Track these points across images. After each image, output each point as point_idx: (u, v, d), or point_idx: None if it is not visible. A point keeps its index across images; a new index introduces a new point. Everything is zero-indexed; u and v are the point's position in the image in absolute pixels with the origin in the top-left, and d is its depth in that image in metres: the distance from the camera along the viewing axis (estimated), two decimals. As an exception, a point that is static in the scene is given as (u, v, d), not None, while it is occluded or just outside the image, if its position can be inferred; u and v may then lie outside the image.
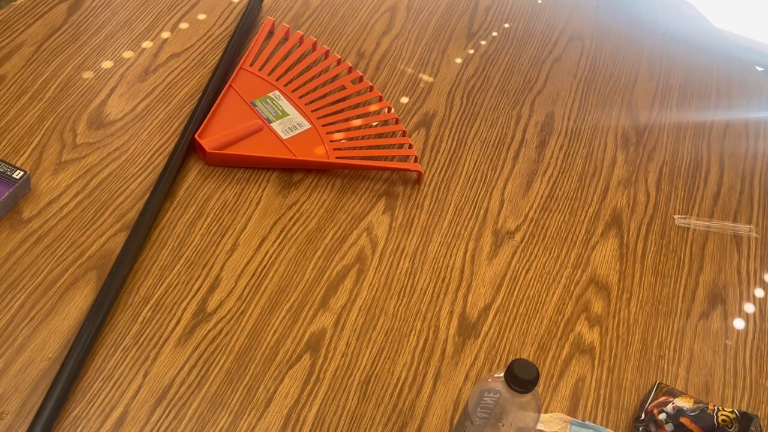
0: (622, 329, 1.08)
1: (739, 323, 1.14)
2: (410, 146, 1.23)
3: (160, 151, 1.13)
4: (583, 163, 1.30)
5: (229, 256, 1.03)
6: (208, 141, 1.13)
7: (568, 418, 0.95)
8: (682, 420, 0.93)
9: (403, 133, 1.26)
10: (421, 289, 1.06)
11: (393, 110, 1.29)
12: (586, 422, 0.96)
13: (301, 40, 1.35)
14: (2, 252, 0.97)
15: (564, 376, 1.01)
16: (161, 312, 0.96)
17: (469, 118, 1.32)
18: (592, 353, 1.05)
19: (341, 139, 1.21)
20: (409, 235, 1.12)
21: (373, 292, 1.04)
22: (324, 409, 0.91)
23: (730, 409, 0.93)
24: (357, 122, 1.25)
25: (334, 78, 1.31)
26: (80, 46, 1.25)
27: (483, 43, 1.49)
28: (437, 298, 1.05)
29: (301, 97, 1.25)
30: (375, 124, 1.26)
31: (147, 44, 1.28)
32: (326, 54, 1.34)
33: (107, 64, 1.23)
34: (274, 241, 1.06)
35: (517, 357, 0.93)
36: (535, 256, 1.14)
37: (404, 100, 1.33)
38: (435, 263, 1.09)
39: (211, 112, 1.16)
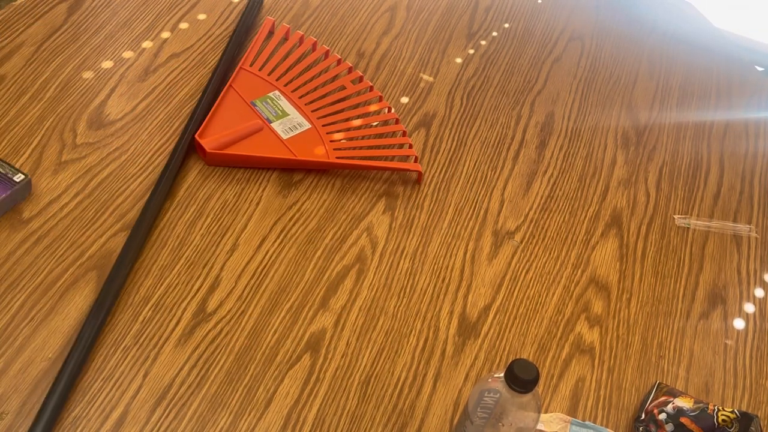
0: (622, 329, 1.08)
1: (739, 323, 1.14)
2: (410, 146, 1.23)
3: (160, 151, 1.13)
4: (583, 163, 1.30)
5: (230, 256, 1.03)
6: (209, 141, 1.13)
7: (568, 418, 0.95)
8: (683, 420, 0.93)
9: (403, 133, 1.26)
10: (421, 289, 1.06)
11: (393, 110, 1.29)
12: (586, 422, 0.96)
13: (301, 40, 1.35)
14: (2, 252, 0.97)
15: (564, 376, 1.01)
16: (161, 312, 0.96)
17: (469, 119, 1.32)
18: (592, 353, 1.05)
19: (341, 139, 1.21)
20: (409, 236, 1.12)
21: (373, 293, 1.04)
22: (324, 409, 0.91)
23: (730, 409, 0.93)
24: (357, 122, 1.25)
25: (334, 78, 1.31)
26: (80, 46, 1.25)
27: (483, 43, 1.49)
28: (437, 299, 1.05)
29: (301, 97, 1.25)
30: (375, 124, 1.26)
31: (147, 44, 1.28)
32: (326, 54, 1.34)
33: (107, 64, 1.23)
34: (275, 241, 1.06)
35: (517, 357, 0.93)
36: (535, 257, 1.14)
37: (404, 100, 1.33)
38: (435, 263, 1.09)
39: (211, 112, 1.16)
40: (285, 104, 1.23)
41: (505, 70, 1.44)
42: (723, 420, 0.92)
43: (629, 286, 1.14)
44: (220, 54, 1.29)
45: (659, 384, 1.01)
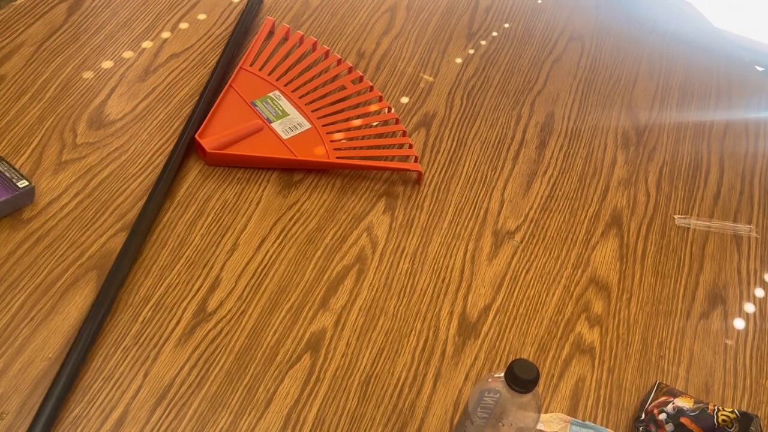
0: (623, 329, 1.08)
1: (739, 323, 1.14)
2: (410, 146, 1.23)
3: (161, 151, 1.13)
4: (583, 163, 1.30)
5: (230, 256, 1.03)
6: (209, 141, 1.13)
7: (568, 418, 0.95)
8: (683, 420, 0.93)
9: (403, 133, 1.26)
10: (421, 289, 1.06)
11: (393, 110, 1.29)
12: (586, 422, 0.96)
13: (301, 40, 1.35)
14: (2, 252, 0.97)
15: (564, 376, 1.01)
16: (161, 312, 0.96)
17: (469, 119, 1.32)
18: (592, 353, 1.05)
19: (341, 139, 1.21)
20: (409, 236, 1.12)
21: (373, 293, 1.04)
22: (324, 409, 0.91)
23: (731, 409, 0.93)
24: (357, 122, 1.25)
25: (334, 78, 1.31)
26: (80, 46, 1.25)
27: (483, 43, 1.49)
28: (437, 299, 1.05)
29: (301, 97, 1.25)
30: (375, 124, 1.26)
31: (147, 44, 1.28)
32: (326, 54, 1.34)
33: (107, 64, 1.23)
34: (275, 241, 1.06)
35: (517, 357, 0.93)
36: (535, 257, 1.14)
37: (404, 100, 1.33)
38: (435, 263, 1.09)
39: (211, 112, 1.16)
40: (285, 104, 1.23)
41: (505, 70, 1.44)
42: (723, 420, 0.92)
43: (629, 286, 1.14)
44: (220, 54, 1.29)
45: (659, 384, 1.01)
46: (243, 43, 1.33)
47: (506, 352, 1.02)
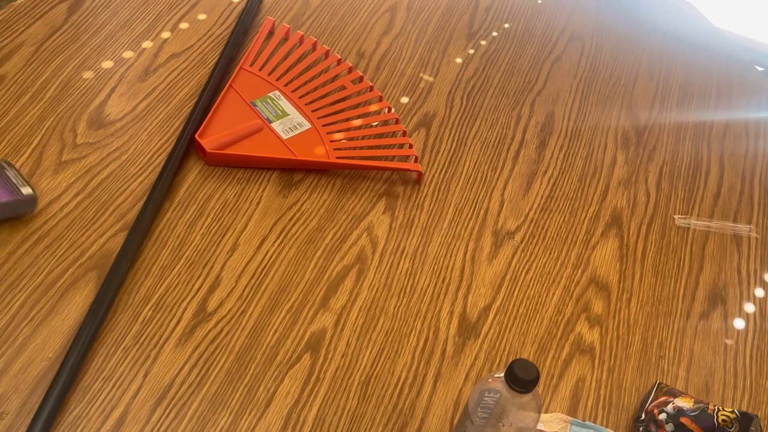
0: (623, 329, 1.08)
1: (739, 323, 1.14)
2: (410, 146, 1.23)
3: (161, 151, 1.13)
4: (583, 164, 1.30)
5: (230, 256, 1.03)
6: (209, 141, 1.13)
7: (568, 418, 0.95)
8: (683, 420, 0.93)
9: (404, 133, 1.26)
10: (421, 289, 1.06)
11: (393, 110, 1.29)
12: (586, 422, 0.96)
13: (301, 40, 1.35)
14: (2, 252, 0.97)
15: (564, 376, 1.01)
16: (162, 312, 0.96)
17: (469, 119, 1.32)
18: (593, 353, 1.05)
19: (341, 139, 1.21)
20: (409, 236, 1.12)
21: (374, 293, 1.04)
22: (324, 409, 0.91)
23: (731, 409, 0.93)
24: (357, 122, 1.25)
25: (335, 78, 1.31)
26: (80, 46, 1.25)
27: (483, 43, 1.49)
28: (437, 299, 1.05)
29: (301, 97, 1.25)
30: (375, 124, 1.26)
31: (147, 44, 1.28)
32: (326, 54, 1.34)
33: (107, 64, 1.23)
34: (275, 241, 1.06)
35: (517, 357, 0.93)
36: (535, 257, 1.14)
37: (404, 100, 1.33)
38: (435, 263, 1.09)
39: (211, 112, 1.16)
40: (285, 104, 1.23)
41: (505, 70, 1.44)
42: (723, 420, 0.92)
43: (629, 286, 1.14)
44: (220, 54, 1.29)
45: (659, 384, 1.01)
46: (243, 43, 1.33)
47: (506, 352, 1.02)
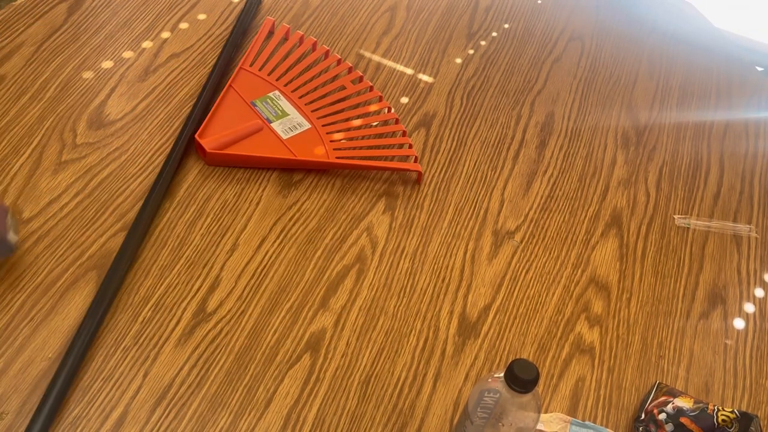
0: (622, 329, 1.08)
1: (739, 323, 1.14)
2: (410, 146, 1.23)
3: (161, 151, 1.13)
4: (583, 163, 1.30)
5: (229, 256, 1.03)
6: (209, 141, 1.13)
7: (568, 418, 0.95)
8: (682, 420, 0.93)
9: (403, 133, 1.26)
10: (421, 289, 1.06)
11: (393, 110, 1.29)
12: (586, 422, 0.96)
13: (301, 40, 1.35)
14: (2, 252, 0.97)
15: (564, 376, 1.01)
16: (161, 312, 0.96)
17: (469, 118, 1.32)
18: (592, 353, 1.05)
19: (341, 139, 1.21)
20: (409, 235, 1.12)
21: (373, 292, 1.04)
22: (324, 409, 0.91)
23: (730, 409, 0.93)
24: (357, 122, 1.25)
25: (334, 78, 1.31)
26: (80, 46, 1.25)
27: (483, 43, 1.48)
28: (437, 298, 1.05)
29: (301, 97, 1.25)
30: (375, 124, 1.26)
31: (147, 44, 1.28)
32: (326, 54, 1.34)
33: (107, 64, 1.23)
34: (274, 241, 1.06)
35: (517, 357, 0.93)
36: (535, 256, 1.14)
37: (404, 100, 1.33)
38: (435, 263, 1.09)
39: (211, 112, 1.16)
40: (285, 104, 1.23)
41: (505, 70, 1.44)
42: (723, 420, 0.92)
43: (629, 285, 1.14)
44: (220, 54, 1.29)
45: (659, 384, 1.01)
46: (243, 43, 1.33)
47: (506, 352, 1.02)
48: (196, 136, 1.13)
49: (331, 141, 1.20)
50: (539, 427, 0.91)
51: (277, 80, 1.27)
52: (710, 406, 0.93)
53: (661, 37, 1.64)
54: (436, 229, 1.14)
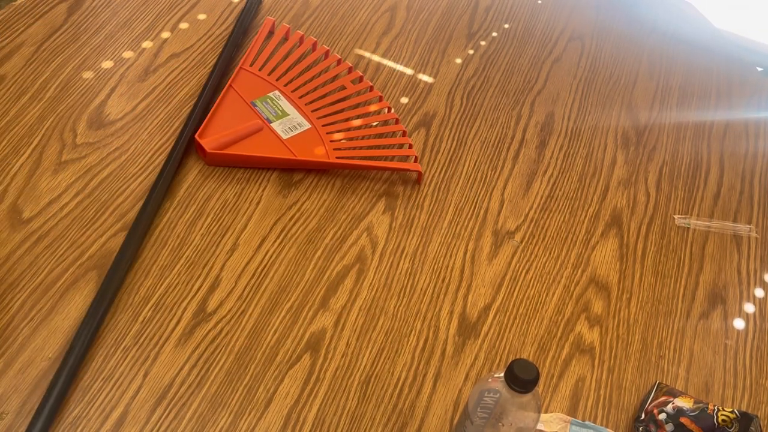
0: (622, 329, 1.08)
1: (739, 323, 1.14)
2: (410, 146, 1.23)
3: (161, 150, 1.13)
4: (583, 163, 1.30)
5: (230, 256, 1.03)
6: (209, 141, 1.13)
7: (568, 418, 0.95)
8: (682, 420, 0.93)
9: (403, 133, 1.26)
10: (421, 289, 1.06)
11: (393, 110, 1.29)
12: (586, 422, 0.96)
13: (301, 40, 1.35)
14: (2, 252, 0.97)
15: (564, 376, 1.01)
16: (161, 312, 0.96)
17: (469, 118, 1.32)
18: (592, 353, 1.05)
19: (341, 139, 1.21)
20: (409, 235, 1.12)
21: (373, 292, 1.04)
22: (324, 409, 0.91)
23: (730, 409, 0.93)
24: (357, 122, 1.25)
25: (334, 78, 1.31)
26: (80, 46, 1.25)
27: (483, 43, 1.48)
28: (437, 298, 1.05)
29: (301, 97, 1.25)
30: (375, 124, 1.26)
31: (147, 44, 1.28)
32: (326, 54, 1.34)
33: (107, 64, 1.23)
34: (275, 241, 1.06)
35: (517, 357, 0.93)
36: (535, 256, 1.14)
37: (404, 100, 1.33)
38: (435, 263, 1.09)
39: (211, 112, 1.16)
40: (285, 104, 1.23)
41: (505, 70, 1.44)
42: (723, 420, 0.92)
43: (629, 286, 1.14)
44: (220, 54, 1.29)
45: (659, 384, 1.01)
46: (243, 43, 1.33)
47: (506, 352, 1.02)
48: (196, 136, 1.13)
49: (331, 141, 1.20)
50: (539, 427, 0.91)
51: (277, 80, 1.27)
52: (710, 406, 0.93)
53: (661, 37, 1.64)
54: (436, 229, 1.14)
